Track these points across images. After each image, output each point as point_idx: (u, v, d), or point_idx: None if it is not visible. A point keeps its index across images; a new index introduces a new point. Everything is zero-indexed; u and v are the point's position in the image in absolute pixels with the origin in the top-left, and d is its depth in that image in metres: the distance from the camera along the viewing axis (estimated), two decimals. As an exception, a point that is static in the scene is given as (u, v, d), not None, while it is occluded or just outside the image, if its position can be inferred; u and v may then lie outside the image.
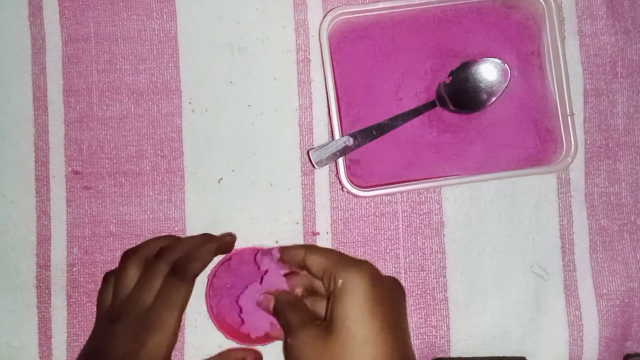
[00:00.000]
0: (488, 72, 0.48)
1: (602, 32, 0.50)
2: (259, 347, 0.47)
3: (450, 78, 0.49)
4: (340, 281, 0.37)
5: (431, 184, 0.48)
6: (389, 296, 0.38)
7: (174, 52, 0.50)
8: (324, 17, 0.48)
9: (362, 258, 0.49)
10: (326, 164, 0.47)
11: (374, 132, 0.48)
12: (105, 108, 0.50)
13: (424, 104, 0.49)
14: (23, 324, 0.49)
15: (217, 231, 0.49)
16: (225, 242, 0.46)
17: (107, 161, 0.50)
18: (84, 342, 0.49)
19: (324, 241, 0.49)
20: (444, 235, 0.50)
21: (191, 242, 0.45)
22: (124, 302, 0.43)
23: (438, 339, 0.49)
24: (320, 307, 0.41)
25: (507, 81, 0.48)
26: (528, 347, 0.49)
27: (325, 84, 0.48)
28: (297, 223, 0.49)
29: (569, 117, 0.49)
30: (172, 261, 0.43)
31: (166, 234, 0.49)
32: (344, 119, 0.49)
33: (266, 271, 0.44)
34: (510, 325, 0.49)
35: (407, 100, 0.50)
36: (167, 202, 0.50)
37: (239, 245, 0.48)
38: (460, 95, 0.48)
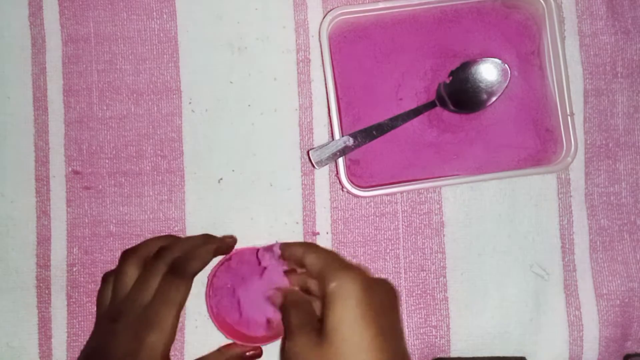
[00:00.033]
0: (488, 72, 0.48)
1: (602, 32, 0.50)
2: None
3: (450, 78, 0.49)
4: (332, 285, 0.37)
5: (431, 184, 0.48)
6: (382, 301, 0.38)
7: (174, 52, 0.50)
8: (324, 17, 0.48)
9: (360, 259, 0.50)
10: (326, 164, 0.47)
11: (374, 132, 0.48)
12: (105, 108, 0.50)
13: (424, 104, 0.49)
14: (23, 324, 0.49)
15: (217, 231, 0.49)
16: (225, 244, 0.46)
17: (107, 161, 0.50)
18: (84, 342, 0.49)
19: (324, 241, 0.49)
20: (444, 235, 0.50)
21: (191, 242, 0.45)
22: (123, 301, 0.43)
23: (438, 339, 0.49)
24: (317, 307, 0.41)
25: (507, 81, 0.48)
26: (528, 347, 0.49)
27: (325, 84, 0.48)
28: (297, 223, 0.49)
29: (569, 117, 0.49)
30: (171, 260, 0.43)
31: (166, 234, 0.49)
32: (344, 119, 0.49)
33: (265, 268, 0.44)
34: (510, 325, 0.49)
35: (407, 100, 0.50)
36: (167, 202, 0.50)
37: (239, 245, 0.48)
38: (460, 95, 0.48)
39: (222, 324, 0.46)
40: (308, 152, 0.48)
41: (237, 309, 0.47)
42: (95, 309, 0.49)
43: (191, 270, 0.43)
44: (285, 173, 0.50)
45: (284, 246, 0.44)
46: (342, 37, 0.49)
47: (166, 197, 0.50)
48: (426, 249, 0.50)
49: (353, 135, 0.47)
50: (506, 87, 0.48)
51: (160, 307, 0.41)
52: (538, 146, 0.50)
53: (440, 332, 0.49)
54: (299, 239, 0.49)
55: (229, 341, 0.47)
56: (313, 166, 0.48)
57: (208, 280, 0.46)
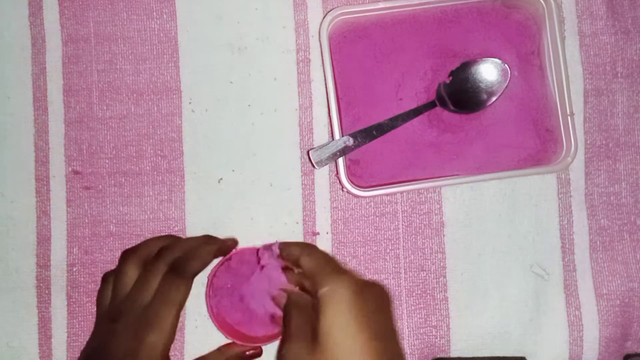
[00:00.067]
0: (488, 72, 0.48)
1: (602, 32, 0.50)
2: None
3: (450, 78, 0.49)
4: (324, 289, 0.37)
5: (431, 184, 0.48)
6: (375, 304, 0.38)
7: (174, 52, 0.50)
8: (324, 17, 0.48)
9: (360, 259, 0.49)
10: (326, 164, 0.47)
11: (374, 132, 0.48)
12: (105, 108, 0.50)
13: (424, 104, 0.49)
14: (23, 324, 0.49)
15: (217, 231, 0.49)
16: (225, 246, 0.46)
17: (107, 161, 0.50)
18: (84, 342, 0.49)
19: (324, 241, 0.49)
20: (444, 235, 0.50)
21: (191, 242, 0.45)
22: (123, 301, 0.43)
23: (438, 339, 0.49)
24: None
25: (507, 81, 0.48)
26: (528, 347, 0.49)
27: (325, 84, 0.48)
28: (297, 223, 0.49)
29: (569, 117, 0.49)
30: (171, 260, 0.43)
31: (166, 233, 0.49)
32: (344, 119, 0.49)
33: (262, 266, 0.45)
34: (510, 325, 0.49)
35: (407, 100, 0.50)
36: (167, 202, 0.50)
37: (239, 245, 0.48)
38: (460, 95, 0.49)
39: (222, 324, 0.46)
40: (308, 152, 0.48)
41: (237, 309, 0.47)
42: (95, 309, 0.49)
43: (191, 270, 0.43)
44: (285, 173, 0.50)
45: (283, 245, 0.44)
46: (342, 37, 0.49)
47: (166, 197, 0.50)
48: (426, 249, 0.50)
49: (353, 135, 0.47)
50: (506, 87, 0.48)
51: (160, 307, 0.41)
52: (538, 146, 0.50)
53: (440, 332, 0.49)
54: (299, 239, 0.49)
55: (229, 341, 0.47)
56: (313, 166, 0.48)
57: (208, 280, 0.46)
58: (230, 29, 0.50)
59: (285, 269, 0.44)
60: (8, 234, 0.49)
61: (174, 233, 0.49)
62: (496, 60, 0.48)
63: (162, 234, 0.49)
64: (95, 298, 0.49)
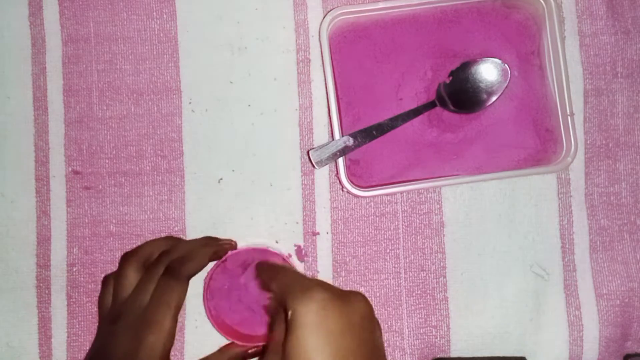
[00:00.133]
0: (488, 72, 0.48)
1: (602, 32, 0.50)
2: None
3: (450, 78, 0.49)
4: (289, 313, 0.34)
5: (431, 184, 0.48)
6: (345, 322, 0.34)
7: (174, 52, 0.50)
8: (324, 17, 0.48)
9: (360, 259, 0.49)
10: (326, 164, 0.47)
11: (374, 132, 0.48)
12: (105, 108, 0.50)
13: (424, 104, 0.49)
14: (23, 324, 0.49)
15: (217, 231, 0.49)
16: (223, 249, 0.46)
17: (107, 161, 0.50)
18: (84, 342, 0.49)
19: (324, 241, 0.49)
20: (444, 235, 0.50)
21: (190, 244, 0.45)
22: (123, 303, 0.43)
23: (438, 339, 0.49)
24: None
25: (507, 81, 0.48)
26: (528, 347, 0.49)
27: (325, 84, 0.48)
28: (297, 223, 0.49)
29: (569, 117, 0.49)
30: (168, 262, 0.43)
31: (166, 234, 0.49)
32: (344, 119, 0.49)
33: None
34: (510, 325, 0.49)
35: (407, 100, 0.50)
36: (167, 202, 0.50)
37: (239, 245, 0.48)
38: (460, 95, 0.48)
39: (221, 325, 0.46)
40: (308, 152, 0.48)
41: (236, 310, 0.47)
42: (95, 309, 0.49)
43: (186, 272, 0.43)
44: (285, 173, 0.50)
45: (258, 269, 0.44)
46: (342, 37, 0.49)
47: (166, 197, 0.50)
48: (426, 249, 0.50)
49: (353, 135, 0.47)
50: (506, 87, 0.48)
51: (157, 309, 0.41)
52: (538, 146, 0.50)
53: (440, 332, 0.49)
54: (299, 239, 0.49)
55: (229, 341, 0.47)
56: (313, 166, 0.48)
57: (205, 283, 0.46)
58: (230, 29, 0.50)
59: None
60: (8, 234, 0.49)
61: (174, 233, 0.49)
62: (496, 60, 0.48)
63: (161, 235, 0.49)
64: (95, 298, 0.49)
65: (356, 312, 0.35)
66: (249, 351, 0.46)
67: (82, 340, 0.49)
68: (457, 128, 0.49)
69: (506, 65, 0.48)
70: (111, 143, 0.50)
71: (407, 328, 0.49)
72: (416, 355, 0.49)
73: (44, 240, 0.49)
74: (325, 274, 0.49)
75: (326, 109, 0.50)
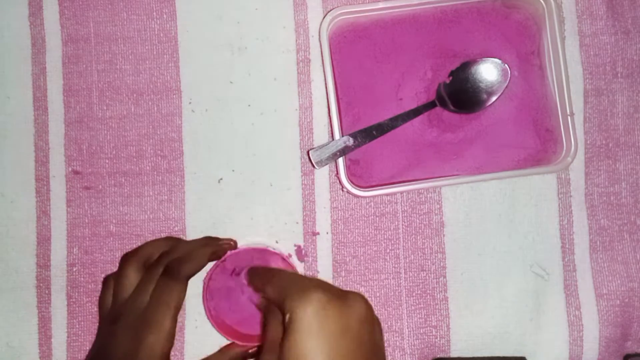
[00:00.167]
0: (488, 72, 0.48)
1: (602, 32, 0.50)
2: (259, 347, 0.47)
3: (450, 78, 0.49)
4: (286, 316, 0.34)
5: (431, 184, 0.48)
6: (343, 324, 0.34)
7: (174, 52, 0.50)
8: (324, 17, 0.48)
9: (360, 259, 0.49)
10: (326, 164, 0.47)
11: (374, 132, 0.48)
12: (105, 108, 0.50)
13: (424, 104, 0.49)
14: (23, 324, 0.49)
15: (217, 231, 0.49)
16: (222, 249, 0.46)
17: (107, 161, 0.50)
18: (84, 342, 0.49)
19: (324, 241, 0.49)
20: (444, 235, 0.50)
21: (189, 245, 0.45)
22: (123, 303, 0.43)
23: (438, 339, 0.49)
24: None
25: (507, 81, 0.48)
26: (528, 347, 0.49)
27: (325, 84, 0.48)
28: (297, 223, 0.49)
29: (569, 117, 0.49)
30: (167, 263, 0.43)
31: (166, 234, 0.49)
32: (344, 119, 0.49)
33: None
34: (510, 325, 0.49)
35: (407, 100, 0.50)
36: (167, 202, 0.50)
37: (238, 245, 0.48)
38: (460, 95, 0.48)
39: (221, 326, 0.46)
40: (308, 152, 0.48)
41: (235, 310, 0.47)
42: (95, 308, 0.49)
43: (185, 272, 0.42)
44: (285, 173, 0.50)
45: (249, 275, 0.44)
46: (342, 37, 0.49)
47: (166, 197, 0.50)
48: (426, 249, 0.50)
49: (353, 135, 0.47)
50: (506, 87, 0.48)
51: (156, 310, 0.41)
52: (538, 146, 0.50)
53: (440, 332, 0.49)
54: (299, 239, 0.49)
55: (229, 341, 0.47)
56: (313, 166, 0.48)
57: (204, 283, 0.46)
58: (230, 29, 0.50)
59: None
60: (8, 234, 0.49)
61: (173, 233, 0.49)
62: (496, 60, 0.48)
63: (161, 235, 0.49)
64: (95, 298, 0.49)
65: (355, 314, 0.34)
66: (250, 351, 0.46)
67: (82, 340, 0.49)
68: (457, 128, 0.49)
69: (506, 65, 0.48)
70: (111, 143, 0.50)
71: (407, 328, 0.49)
72: (416, 355, 0.49)
73: (44, 240, 0.49)
74: (325, 274, 0.49)
75: (326, 109, 0.50)
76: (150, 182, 0.50)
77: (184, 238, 0.49)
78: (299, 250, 0.49)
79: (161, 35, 0.50)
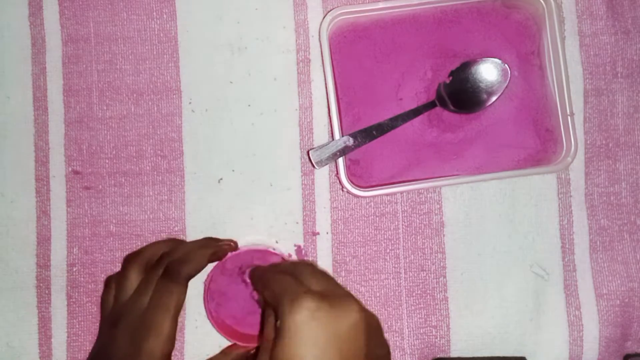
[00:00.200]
0: (488, 72, 0.48)
1: (602, 32, 0.50)
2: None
3: (450, 78, 0.49)
4: (278, 322, 0.34)
5: (431, 184, 0.48)
6: (338, 330, 0.34)
7: (174, 52, 0.50)
8: (324, 17, 0.48)
9: (360, 259, 0.49)
10: (326, 164, 0.47)
11: (374, 132, 0.48)
12: (105, 108, 0.50)
13: (424, 104, 0.49)
14: (23, 324, 0.49)
15: (217, 231, 0.49)
16: (222, 250, 0.45)
17: (107, 161, 0.50)
18: (84, 342, 0.49)
19: (324, 241, 0.49)
20: (444, 235, 0.50)
21: (190, 246, 0.45)
22: (124, 305, 0.43)
23: (438, 339, 0.49)
24: None
25: (507, 81, 0.48)
26: (528, 347, 0.49)
27: (325, 84, 0.48)
28: (297, 223, 0.49)
29: (569, 117, 0.49)
30: (166, 265, 0.43)
31: (166, 234, 0.49)
32: (344, 119, 0.49)
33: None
34: (510, 325, 0.49)
35: (407, 100, 0.50)
36: (167, 202, 0.50)
37: (238, 245, 0.48)
38: (460, 95, 0.48)
39: (222, 327, 0.46)
40: (308, 152, 0.48)
41: (236, 310, 0.47)
42: (95, 309, 0.49)
43: (184, 274, 0.42)
44: (285, 173, 0.50)
45: (251, 277, 0.44)
46: (342, 37, 0.49)
47: (166, 197, 0.50)
48: (426, 249, 0.50)
49: (353, 135, 0.47)
50: (506, 87, 0.48)
51: (156, 312, 0.41)
52: (538, 146, 0.50)
53: (440, 332, 0.49)
54: (299, 239, 0.49)
55: (231, 342, 0.47)
56: (313, 166, 0.48)
57: (205, 285, 0.46)
58: (230, 29, 0.50)
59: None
60: (8, 234, 0.49)
61: (173, 233, 0.49)
62: (496, 60, 0.48)
63: (162, 236, 0.49)
64: (95, 298, 0.49)
65: (345, 323, 0.34)
66: (251, 352, 0.46)
67: (82, 340, 0.49)
68: (457, 128, 0.49)
69: (506, 65, 0.48)
70: (111, 143, 0.50)
71: (407, 328, 0.49)
72: (416, 355, 0.49)
73: (44, 240, 0.49)
74: (325, 274, 0.49)
75: (326, 109, 0.49)
76: (150, 182, 0.50)
77: (184, 238, 0.49)
78: (299, 250, 0.49)
79: (161, 35, 0.50)
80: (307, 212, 0.49)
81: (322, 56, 0.48)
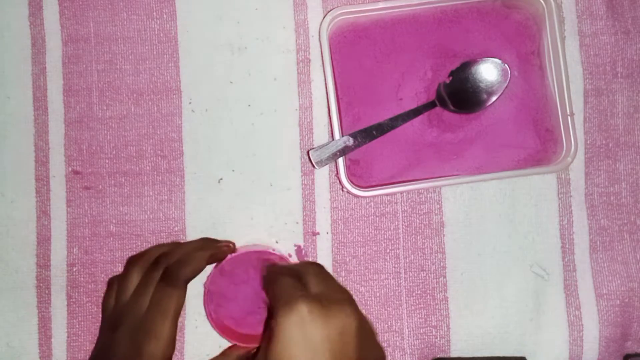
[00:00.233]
0: (488, 72, 0.48)
1: (602, 32, 0.50)
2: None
3: (450, 78, 0.49)
4: (272, 321, 0.35)
5: (431, 184, 0.48)
6: (329, 337, 0.34)
7: (174, 52, 0.50)
8: (324, 17, 0.48)
9: (360, 259, 0.49)
10: (326, 164, 0.47)
11: (374, 132, 0.48)
12: (105, 108, 0.50)
13: (424, 104, 0.49)
14: (23, 324, 0.49)
15: (216, 231, 0.49)
16: (221, 251, 0.45)
17: (107, 161, 0.50)
18: (84, 342, 0.49)
19: (324, 241, 0.49)
20: (444, 235, 0.50)
21: (187, 247, 0.45)
22: (123, 308, 0.43)
23: (438, 339, 0.49)
24: None
25: (507, 81, 0.48)
26: (528, 347, 0.49)
27: (325, 84, 0.48)
28: (297, 223, 0.49)
29: (569, 117, 0.49)
30: (164, 268, 0.43)
31: (166, 234, 0.49)
32: (344, 119, 0.49)
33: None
34: (510, 325, 0.49)
35: (407, 100, 0.50)
36: (167, 202, 0.50)
37: (238, 245, 0.48)
38: (460, 95, 0.48)
39: (222, 328, 0.46)
40: (308, 152, 0.48)
41: (237, 311, 0.47)
42: (95, 309, 0.49)
43: (183, 277, 0.42)
44: (285, 173, 0.50)
45: (262, 275, 0.44)
46: (342, 37, 0.49)
47: (166, 197, 0.50)
48: (426, 249, 0.50)
49: (353, 135, 0.47)
50: (506, 87, 0.48)
51: (155, 316, 0.40)
52: (538, 146, 0.50)
53: (440, 332, 0.49)
54: (299, 239, 0.49)
55: (231, 343, 0.47)
56: (313, 166, 0.48)
57: (205, 287, 0.46)
58: (230, 29, 0.50)
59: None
60: (8, 234, 0.49)
61: (173, 233, 0.49)
62: (496, 60, 0.48)
63: (162, 236, 0.49)
64: (95, 298, 0.49)
65: (337, 328, 0.35)
66: (252, 352, 0.46)
67: (82, 340, 0.49)
68: (457, 128, 0.49)
69: (506, 65, 0.48)
70: (111, 143, 0.50)
71: (407, 328, 0.49)
72: (416, 355, 0.49)
73: (44, 240, 0.49)
74: (325, 274, 0.49)
75: (326, 109, 0.49)
76: (150, 182, 0.50)
77: (184, 238, 0.49)
78: (299, 250, 0.49)
79: (161, 35, 0.50)
80: (307, 212, 0.49)
81: (322, 56, 0.48)
